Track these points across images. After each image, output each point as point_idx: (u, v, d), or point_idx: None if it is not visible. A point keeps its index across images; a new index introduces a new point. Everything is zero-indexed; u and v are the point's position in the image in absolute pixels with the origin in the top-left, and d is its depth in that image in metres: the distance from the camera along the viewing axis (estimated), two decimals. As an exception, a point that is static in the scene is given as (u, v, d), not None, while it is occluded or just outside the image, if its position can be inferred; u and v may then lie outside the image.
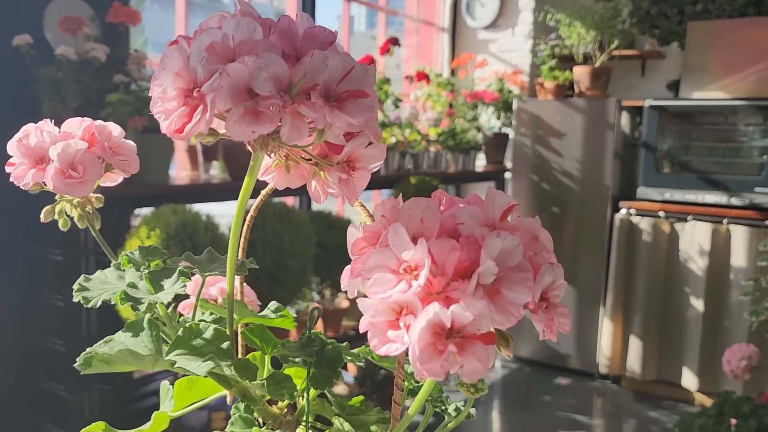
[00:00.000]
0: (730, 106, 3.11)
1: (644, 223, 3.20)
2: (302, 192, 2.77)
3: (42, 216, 0.60)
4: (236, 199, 0.52)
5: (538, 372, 3.52)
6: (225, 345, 0.54)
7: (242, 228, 0.68)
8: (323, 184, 0.51)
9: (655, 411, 3.09)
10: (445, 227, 0.41)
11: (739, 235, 2.95)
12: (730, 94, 3.23)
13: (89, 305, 0.54)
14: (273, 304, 0.68)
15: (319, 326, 2.75)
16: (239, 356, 0.70)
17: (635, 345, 3.24)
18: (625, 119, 3.39)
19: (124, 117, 1.79)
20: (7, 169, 0.56)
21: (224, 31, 0.40)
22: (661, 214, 3.17)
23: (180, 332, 0.54)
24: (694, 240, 3.07)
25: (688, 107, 3.21)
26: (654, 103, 3.23)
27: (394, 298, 0.38)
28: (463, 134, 3.53)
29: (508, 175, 3.78)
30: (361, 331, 0.39)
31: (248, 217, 0.66)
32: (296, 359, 0.60)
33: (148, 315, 0.55)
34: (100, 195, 0.63)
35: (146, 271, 0.56)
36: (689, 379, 3.10)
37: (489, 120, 3.77)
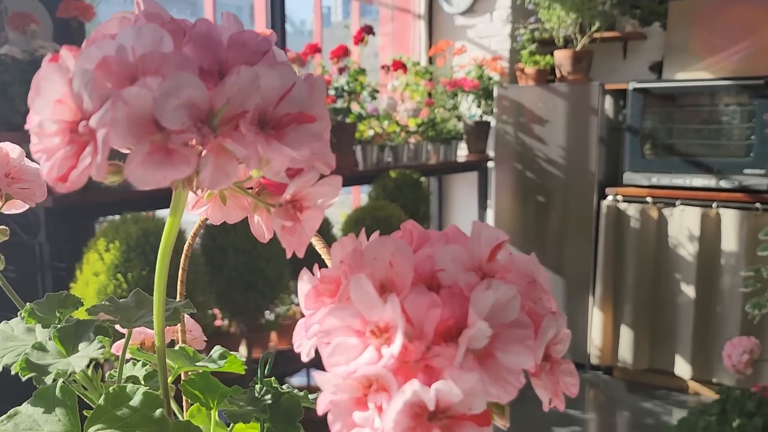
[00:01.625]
0: (714, 86, 3.03)
1: (632, 210, 3.12)
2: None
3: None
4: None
5: (528, 365, 3.44)
6: (158, 413, 0.43)
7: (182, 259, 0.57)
8: (268, 219, 0.40)
9: (649, 401, 3.03)
10: (421, 273, 0.33)
11: (730, 219, 2.88)
12: (714, 74, 3.15)
13: (-8, 372, 0.43)
14: (217, 350, 0.57)
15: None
16: (183, 411, 0.59)
17: (626, 334, 3.16)
18: (608, 103, 3.30)
19: (79, 120, 1.66)
20: None
21: (120, 43, 0.30)
22: (649, 199, 3.09)
23: (101, 400, 0.43)
24: (683, 225, 3.00)
25: (672, 89, 3.13)
26: (638, 86, 3.14)
27: (361, 372, 0.30)
28: (444, 124, 3.42)
29: (490, 164, 3.68)
30: (320, 413, 0.31)
31: (186, 247, 0.55)
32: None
33: (61, 380, 0.43)
34: (4, 227, 0.53)
35: (55, 328, 0.44)
36: (682, 368, 3.04)
37: (470, 108, 3.67)
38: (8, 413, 0.43)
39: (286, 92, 0.32)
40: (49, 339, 0.45)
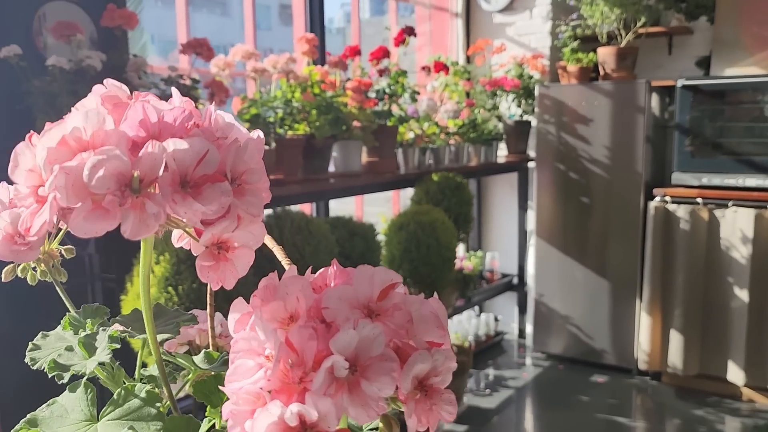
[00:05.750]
0: (767, 82, 2.91)
1: (681, 211, 3.02)
2: (319, 198, 2.65)
3: (2, 276, 0.58)
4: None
5: (572, 369, 3.37)
6: (156, 407, 0.48)
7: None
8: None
9: (701, 408, 2.92)
10: (319, 309, 0.39)
11: (785, 219, 2.76)
12: (766, 69, 3.03)
13: (35, 367, 0.53)
14: (224, 356, 0.59)
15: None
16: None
17: (676, 339, 3.07)
18: (654, 101, 3.21)
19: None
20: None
21: (73, 124, 0.39)
22: (699, 200, 3.00)
23: (115, 394, 0.49)
24: (735, 227, 2.89)
25: (723, 85, 3.02)
26: (686, 83, 3.05)
27: (245, 389, 0.37)
28: (484, 125, 3.38)
29: (531, 164, 3.62)
30: (224, 419, 0.38)
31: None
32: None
33: (85, 378, 0.50)
34: (70, 246, 0.58)
35: (82, 335, 0.52)
36: (735, 374, 2.93)
37: (509, 108, 3.62)
38: (48, 402, 0.50)
39: (202, 157, 0.39)
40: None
